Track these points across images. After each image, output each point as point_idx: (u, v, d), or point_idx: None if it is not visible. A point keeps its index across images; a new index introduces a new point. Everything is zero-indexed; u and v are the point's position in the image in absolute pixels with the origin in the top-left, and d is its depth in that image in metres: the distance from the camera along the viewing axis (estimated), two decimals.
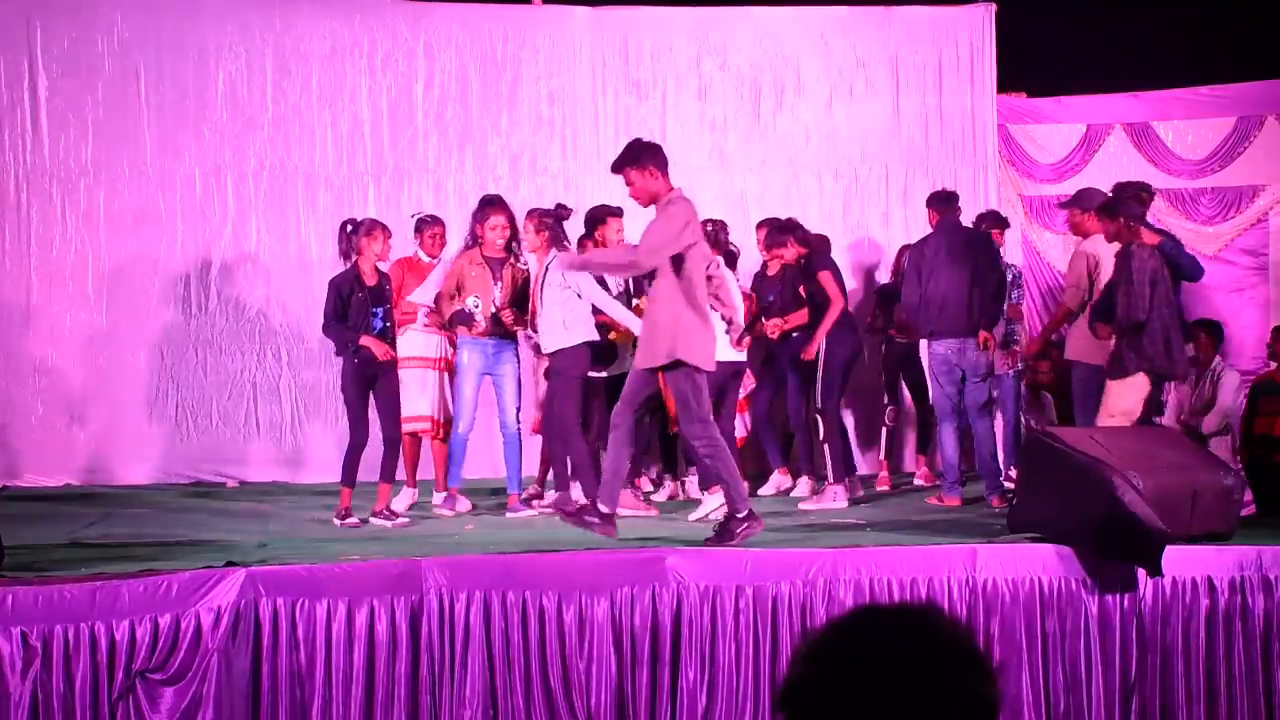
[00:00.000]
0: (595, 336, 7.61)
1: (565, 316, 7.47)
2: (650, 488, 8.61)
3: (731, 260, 8.29)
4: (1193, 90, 10.84)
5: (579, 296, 7.48)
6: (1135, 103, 10.96)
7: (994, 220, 8.84)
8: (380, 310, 7.27)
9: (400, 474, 7.69)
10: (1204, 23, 10.58)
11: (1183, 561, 5.84)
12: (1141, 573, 5.80)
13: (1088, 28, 11.02)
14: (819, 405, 8.32)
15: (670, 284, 5.98)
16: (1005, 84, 10.54)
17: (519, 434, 7.78)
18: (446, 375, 8.01)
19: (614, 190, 9.64)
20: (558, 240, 7.58)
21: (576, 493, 7.48)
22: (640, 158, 6.07)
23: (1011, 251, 9.87)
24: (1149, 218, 7.23)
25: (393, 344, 7.37)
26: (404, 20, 9.89)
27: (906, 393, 9.50)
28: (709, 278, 6.20)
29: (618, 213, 7.98)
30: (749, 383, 8.70)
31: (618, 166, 6.14)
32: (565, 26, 10.07)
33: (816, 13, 10.30)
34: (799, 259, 8.45)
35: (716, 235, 7.86)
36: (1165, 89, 10.87)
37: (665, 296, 6.00)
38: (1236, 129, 10.72)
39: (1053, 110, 11.06)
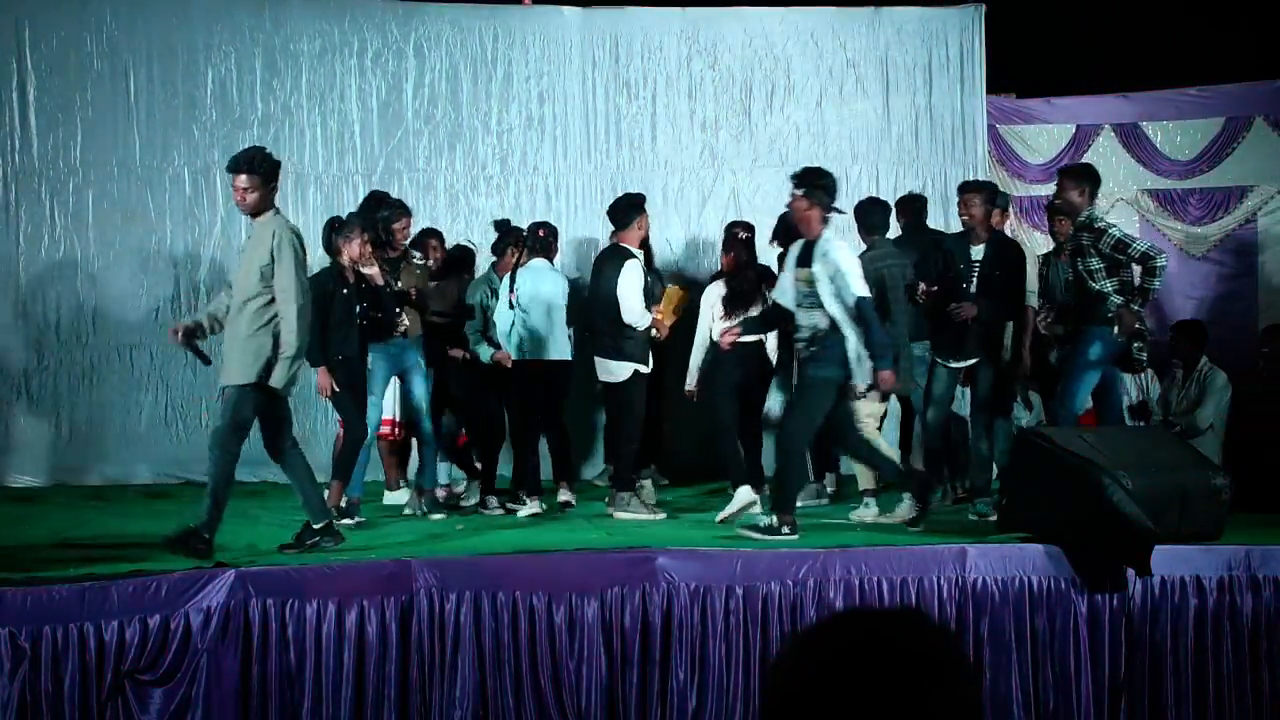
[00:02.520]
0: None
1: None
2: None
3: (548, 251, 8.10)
4: (1181, 91, 10.86)
5: None
6: (1124, 103, 10.98)
7: None
8: (362, 306, 7.26)
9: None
10: (1193, 23, 10.60)
11: (1171, 561, 5.87)
12: (1130, 572, 5.82)
13: (1077, 28, 11.04)
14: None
15: (268, 305, 6.08)
16: (995, 84, 10.54)
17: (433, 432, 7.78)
18: None
19: (604, 188, 9.73)
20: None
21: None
22: (268, 173, 6.14)
23: None
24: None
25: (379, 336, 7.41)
26: (394, 20, 9.87)
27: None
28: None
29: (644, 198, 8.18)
30: None
31: (242, 167, 6.15)
32: (555, 26, 10.06)
33: (806, 13, 10.30)
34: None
35: (532, 237, 7.91)
36: (1154, 90, 10.89)
37: (262, 318, 6.09)
38: (1225, 129, 10.73)
39: (1042, 111, 11.07)
